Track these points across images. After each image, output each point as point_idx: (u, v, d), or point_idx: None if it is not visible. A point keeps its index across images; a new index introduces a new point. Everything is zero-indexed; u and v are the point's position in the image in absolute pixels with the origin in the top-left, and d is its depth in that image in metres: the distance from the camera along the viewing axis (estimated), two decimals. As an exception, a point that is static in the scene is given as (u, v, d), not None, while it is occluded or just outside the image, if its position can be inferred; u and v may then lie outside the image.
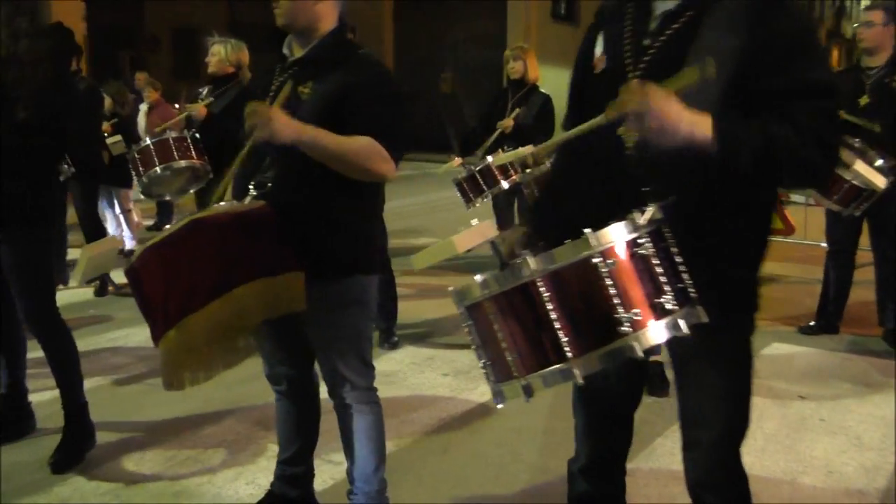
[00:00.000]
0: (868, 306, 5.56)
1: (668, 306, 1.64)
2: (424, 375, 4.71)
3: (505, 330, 1.67)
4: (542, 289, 1.60)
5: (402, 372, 4.76)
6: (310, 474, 3.04)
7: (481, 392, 4.29)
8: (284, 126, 2.34)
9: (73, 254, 6.15)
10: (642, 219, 1.65)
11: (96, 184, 6.74)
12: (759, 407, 4.22)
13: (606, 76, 2.00)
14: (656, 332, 1.62)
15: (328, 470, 3.37)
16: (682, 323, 1.64)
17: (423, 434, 3.90)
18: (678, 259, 1.68)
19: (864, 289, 5.58)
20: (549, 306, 1.60)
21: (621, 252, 1.62)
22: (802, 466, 3.57)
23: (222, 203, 2.47)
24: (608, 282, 1.60)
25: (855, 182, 4.65)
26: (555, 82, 6.34)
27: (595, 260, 1.60)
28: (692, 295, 1.68)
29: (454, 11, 21.52)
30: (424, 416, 4.11)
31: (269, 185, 2.54)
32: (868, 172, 4.58)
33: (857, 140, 4.70)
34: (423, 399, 4.35)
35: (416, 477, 3.43)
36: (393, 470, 3.15)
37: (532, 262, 1.61)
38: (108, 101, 7.35)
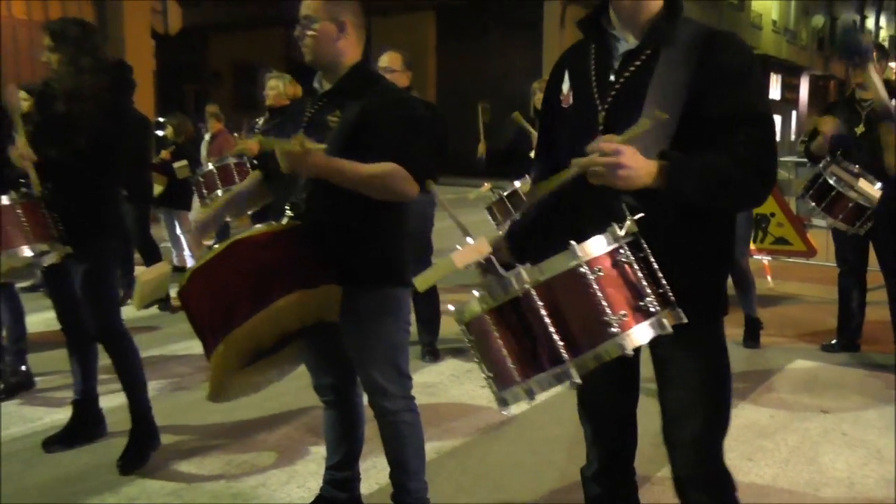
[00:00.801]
0: (881, 325, 5.44)
1: (651, 308, 1.68)
2: (464, 387, 4.71)
3: (504, 340, 1.69)
4: (535, 298, 1.64)
5: (443, 383, 4.76)
6: (356, 478, 3.05)
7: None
8: (311, 164, 2.40)
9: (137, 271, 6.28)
10: (621, 231, 1.70)
11: (148, 206, 6.85)
12: (783, 421, 4.17)
13: (576, 110, 2.08)
14: (642, 332, 1.66)
15: (374, 475, 3.38)
16: (665, 322, 1.69)
17: (462, 441, 3.89)
18: (655, 266, 1.72)
19: (883, 308, 5.45)
20: (543, 314, 1.63)
21: (605, 261, 1.67)
22: (825, 479, 3.50)
23: (260, 224, 2.51)
24: (595, 288, 1.64)
25: (859, 201, 4.69)
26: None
27: (582, 269, 1.64)
28: (671, 298, 1.72)
29: (492, 46, 21.63)
30: (464, 424, 4.10)
31: (304, 206, 2.56)
32: (872, 190, 4.62)
33: (855, 166, 4.78)
34: (463, 409, 4.35)
35: (456, 482, 3.43)
36: (434, 474, 3.16)
37: (525, 275, 1.65)
38: (169, 130, 7.50)
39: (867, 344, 5.41)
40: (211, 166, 5.53)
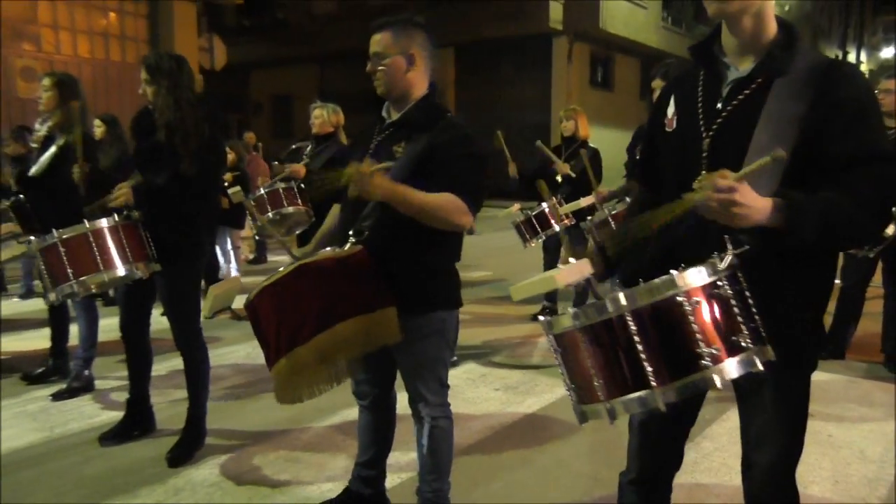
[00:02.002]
0: (871, 335, 5.41)
1: (744, 344, 1.57)
2: (479, 390, 4.69)
3: (593, 358, 1.59)
4: (630, 323, 1.54)
5: (459, 387, 4.74)
6: (382, 476, 3.04)
7: (528, 405, 4.25)
8: (376, 187, 2.32)
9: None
10: (722, 264, 1.58)
11: (216, 225, 6.90)
12: (773, 423, 4.11)
13: (679, 135, 1.92)
14: (733, 367, 1.55)
15: (397, 470, 3.36)
16: (756, 360, 1.57)
17: (477, 441, 3.86)
18: (751, 301, 1.60)
19: (867, 320, 5.41)
20: (636, 339, 1.53)
21: (703, 293, 1.55)
22: (812, 477, 3.44)
23: (326, 249, 2.46)
24: (691, 319, 1.53)
25: None
26: (592, 139, 6.36)
27: (679, 299, 1.53)
28: (763, 335, 1.61)
29: (506, 80, 21.69)
30: (479, 425, 4.08)
31: (366, 233, 2.50)
32: None
33: None
34: (480, 409, 4.33)
35: (472, 477, 3.40)
36: (451, 470, 3.13)
37: (622, 298, 1.55)
38: (232, 157, 7.56)
39: (853, 352, 5.35)
40: (262, 191, 5.59)
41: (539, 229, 5.63)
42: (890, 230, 4.52)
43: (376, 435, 2.94)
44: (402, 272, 2.50)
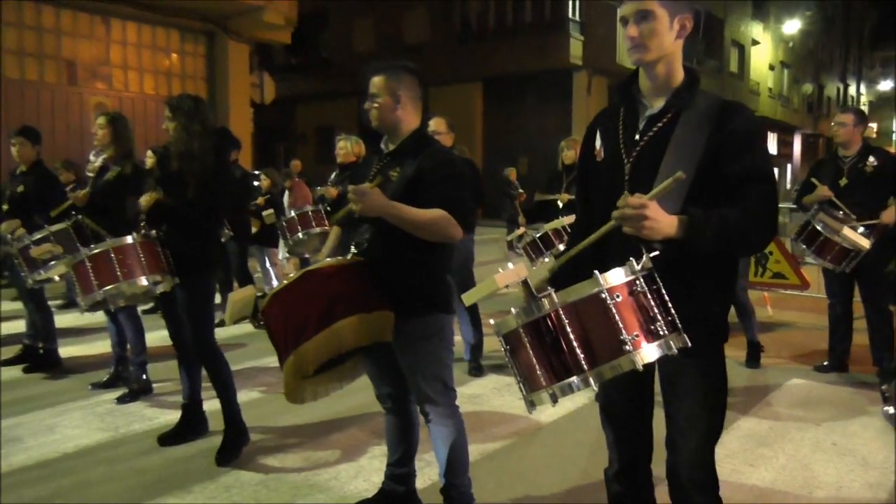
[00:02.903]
0: (866, 348, 5.25)
1: (660, 332, 1.68)
2: (503, 398, 4.66)
3: (534, 350, 1.70)
4: (563, 317, 1.66)
5: (485, 395, 4.72)
6: (412, 474, 3.03)
7: (549, 414, 4.22)
8: (375, 203, 2.45)
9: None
10: (638, 265, 1.70)
11: (247, 244, 6.99)
12: (781, 431, 4.03)
13: (605, 163, 2.07)
14: (651, 351, 1.66)
15: (428, 472, 3.36)
16: (671, 344, 1.68)
17: (502, 445, 3.84)
18: (666, 297, 1.71)
19: (860, 334, 5.28)
20: (569, 330, 1.65)
21: (622, 290, 1.68)
22: (817, 483, 3.36)
23: (329, 259, 2.56)
24: (612, 311, 1.65)
25: (844, 244, 4.59)
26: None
27: (602, 295, 1.65)
28: (678, 324, 1.71)
29: (530, 111, 21.73)
30: (504, 430, 4.06)
31: (365, 245, 2.61)
32: (853, 235, 4.53)
33: (840, 212, 4.72)
34: (503, 417, 4.30)
35: (497, 480, 3.38)
36: (478, 473, 3.12)
37: (555, 297, 1.67)
38: (267, 182, 7.65)
39: (855, 365, 5.23)
40: (293, 213, 5.69)
41: (543, 249, 5.65)
42: (864, 244, 4.48)
43: (402, 435, 2.95)
44: (399, 279, 2.58)
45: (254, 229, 6.96)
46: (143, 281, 3.57)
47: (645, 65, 1.98)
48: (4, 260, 5.31)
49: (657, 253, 1.73)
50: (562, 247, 5.51)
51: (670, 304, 1.72)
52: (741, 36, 30.13)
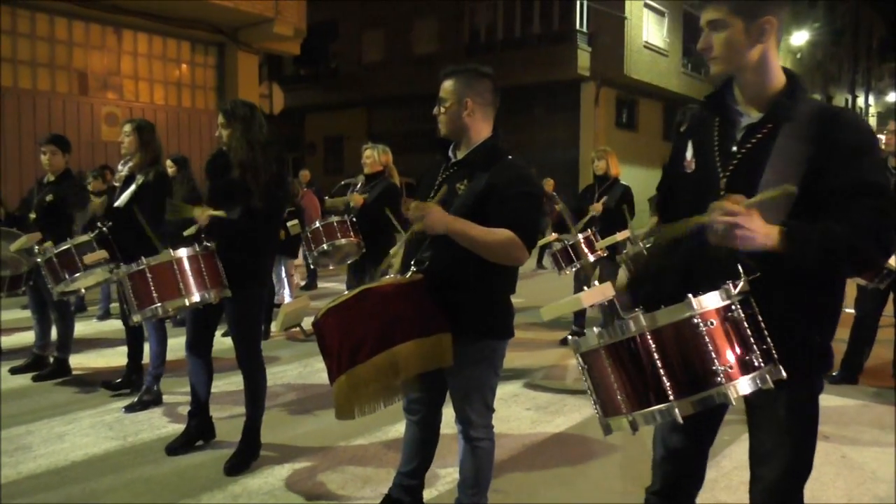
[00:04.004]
0: (884, 362, 5.27)
1: (756, 363, 1.58)
2: (511, 409, 4.65)
3: (616, 373, 1.61)
4: (650, 341, 1.56)
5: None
6: (421, 487, 3.01)
7: (557, 424, 4.21)
8: (438, 221, 2.36)
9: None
10: (735, 289, 1.60)
11: (275, 255, 6.99)
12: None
13: (697, 176, 1.96)
14: (745, 384, 1.56)
15: (435, 483, 3.35)
16: (767, 377, 1.58)
17: (510, 457, 3.82)
18: (763, 325, 1.61)
19: (879, 346, 5.27)
20: (656, 356, 1.55)
21: (717, 315, 1.57)
22: (826, 496, 3.34)
23: (388, 276, 2.46)
24: (706, 339, 1.55)
25: None
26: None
27: (696, 320, 1.55)
28: (774, 355, 1.62)
29: (539, 122, 21.75)
30: (512, 441, 4.04)
31: (427, 263, 2.50)
32: None
33: None
34: (511, 428, 4.29)
35: (504, 493, 3.37)
36: (486, 484, 3.11)
37: (643, 319, 1.57)
38: None
39: (865, 377, 5.21)
40: (317, 224, 5.68)
41: (574, 258, 5.65)
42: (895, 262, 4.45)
43: (421, 448, 2.92)
44: (458, 301, 2.47)
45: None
46: (204, 295, 3.40)
47: (729, 74, 1.87)
48: (30, 272, 5.32)
49: (757, 275, 1.61)
50: (591, 257, 5.55)
51: (766, 333, 1.61)
52: (749, 47, 30.08)
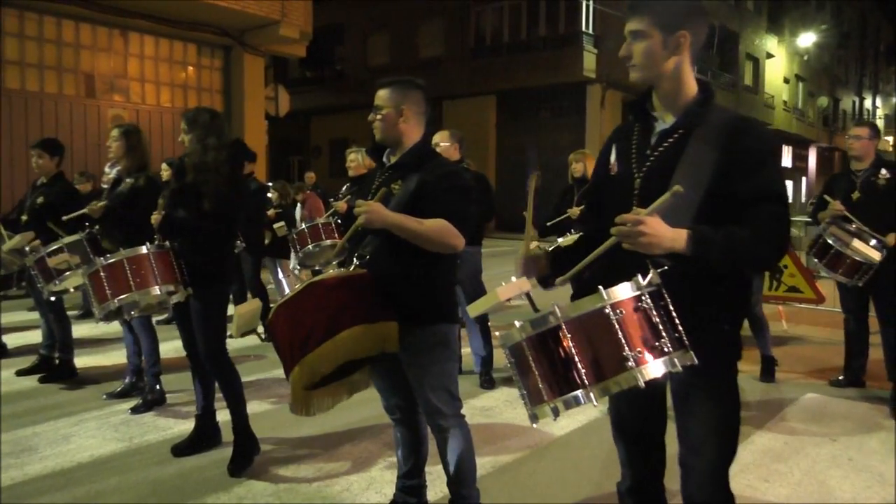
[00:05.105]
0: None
1: (665, 349, 1.67)
2: (515, 411, 4.64)
3: (537, 364, 1.70)
4: (566, 332, 1.66)
5: (497, 407, 4.71)
6: (423, 485, 3.03)
7: (560, 426, 4.21)
8: (377, 216, 2.49)
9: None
10: (644, 281, 1.69)
11: (261, 256, 7.03)
12: (796, 447, 4.00)
13: (618, 177, 2.09)
14: (655, 368, 1.65)
15: (440, 485, 3.35)
16: (676, 361, 1.67)
17: (514, 458, 3.83)
18: (674, 314, 1.70)
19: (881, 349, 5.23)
20: (571, 345, 1.65)
21: (627, 305, 1.67)
22: (833, 499, 3.33)
23: (332, 270, 2.59)
24: (616, 327, 1.64)
25: (855, 257, 4.58)
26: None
27: (607, 310, 1.65)
28: (685, 342, 1.70)
29: (544, 124, 21.76)
30: (516, 443, 4.05)
31: (368, 256, 2.64)
32: (864, 248, 4.53)
33: (853, 225, 4.70)
34: (515, 430, 4.29)
35: (509, 493, 3.37)
36: (490, 486, 3.11)
37: (559, 311, 1.66)
38: (274, 195, 7.70)
39: (872, 380, 5.18)
40: (304, 226, 5.75)
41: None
42: (875, 257, 4.46)
43: (411, 447, 2.96)
44: (402, 289, 2.60)
45: (266, 241, 7.00)
46: (156, 290, 3.63)
47: (647, 82, 2.00)
48: (22, 271, 5.37)
49: (664, 268, 1.72)
50: None
51: (678, 322, 1.70)
52: (756, 49, 30.06)
